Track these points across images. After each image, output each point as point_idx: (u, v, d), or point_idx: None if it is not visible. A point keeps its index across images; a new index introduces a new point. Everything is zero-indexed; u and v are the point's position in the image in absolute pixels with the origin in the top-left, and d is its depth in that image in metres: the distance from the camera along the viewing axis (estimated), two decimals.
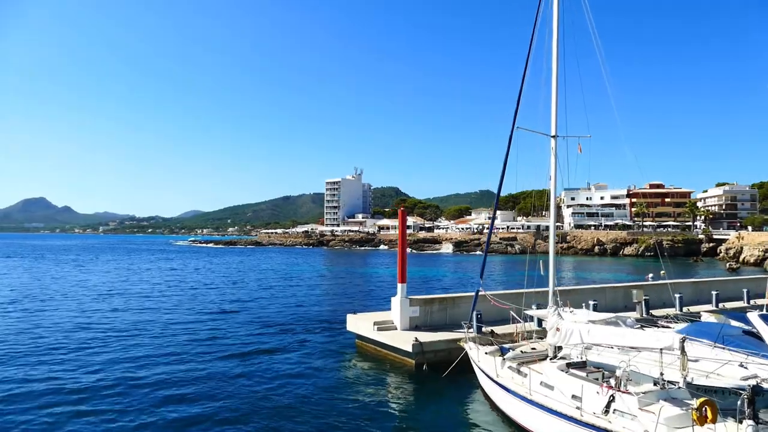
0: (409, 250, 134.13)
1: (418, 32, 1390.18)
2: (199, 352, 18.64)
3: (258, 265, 72.18)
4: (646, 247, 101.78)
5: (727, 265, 72.15)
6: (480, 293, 15.89)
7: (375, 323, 18.51)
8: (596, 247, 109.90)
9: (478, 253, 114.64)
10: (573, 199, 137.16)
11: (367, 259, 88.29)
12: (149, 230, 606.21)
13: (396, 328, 18.58)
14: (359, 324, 19.45)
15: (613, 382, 9.83)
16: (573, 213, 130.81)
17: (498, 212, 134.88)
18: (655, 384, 9.77)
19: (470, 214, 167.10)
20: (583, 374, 10.55)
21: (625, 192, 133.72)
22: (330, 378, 16.17)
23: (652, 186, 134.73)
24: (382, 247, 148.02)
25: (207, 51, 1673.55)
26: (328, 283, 46.16)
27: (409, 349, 16.41)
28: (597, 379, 10.44)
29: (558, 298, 15.56)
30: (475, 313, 17.63)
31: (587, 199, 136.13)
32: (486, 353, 12.47)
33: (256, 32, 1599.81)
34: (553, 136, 13.07)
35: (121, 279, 49.07)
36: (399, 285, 18.85)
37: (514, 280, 50.44)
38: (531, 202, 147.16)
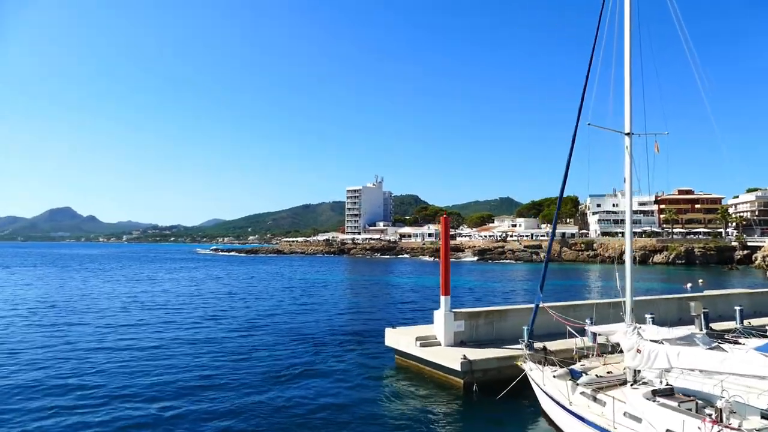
0: (430, 258, 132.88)
1: (436, 37, 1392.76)
2: (232, 370, 17.63)
3: (282, 273, 71.48)
4: (677, 254, 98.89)
5: (767, 273, 69.49)
6: (540, 306, 14.59)
7: (417, 338, 17.32)
8: (624, 255, 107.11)
9: (504, 261, 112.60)
10: (599, 205, 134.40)
11: (391, 268, 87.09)
12: (171, 239, 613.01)
13: (440, 344, 17.37)
14: (399, 339, 18.27)
15: (713, 414, 8.53)
16: (599, 220, 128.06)
17: (521, 219, 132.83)
18: (764, 417, 8.45)
19: (492, 222, 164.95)
20: (674, 404, 9.24)
21: (653, 198, 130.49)
22: (371, 399, 15.05)
23: (681, 192, 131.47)
24: (404, 255, 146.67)
25: (226, 58, 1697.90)
26: (355, 293, 45.05)
27: (457, 367, 15.19)
28: (690, 410, 9.14)
29: (623, 312, 14.27)
30: (526, 328, 16.39)
31: (614, 205, 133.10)
32: (554, 376, 11.19)
33: (273, 41, 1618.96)
34: (628, 134, 11.76)
35: (146, 290, 48.61)
36: (442, 297, 17.66)
37: (547, 290, 48.79)
38: (555, 209, 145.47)
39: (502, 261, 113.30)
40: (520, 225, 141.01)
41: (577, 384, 10.64)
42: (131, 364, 18.55)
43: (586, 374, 10.84)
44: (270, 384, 16.13)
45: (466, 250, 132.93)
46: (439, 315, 17.66)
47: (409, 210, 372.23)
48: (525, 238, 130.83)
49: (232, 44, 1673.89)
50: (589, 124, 11.95)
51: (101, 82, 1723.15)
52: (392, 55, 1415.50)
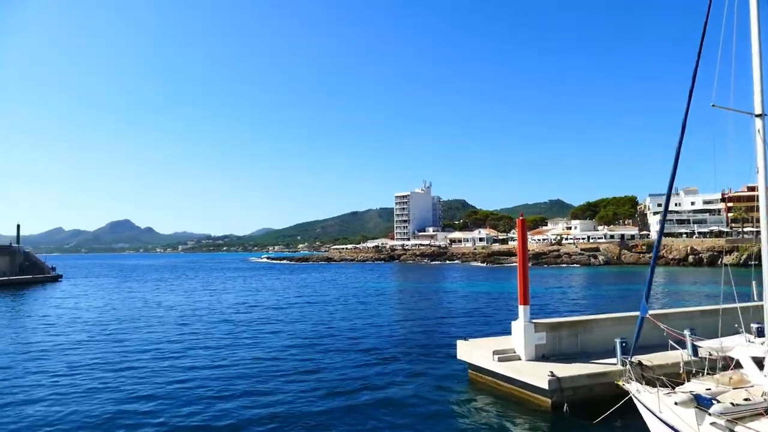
0: (482, 263, 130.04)
1: (479, 40, 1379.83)
2: (299, 390, 16.56)
3: (335, 281, 70.97)
4: (749, 255, 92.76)
5: None
6: (646, 317, 12.82)
7: (494, 352, 15.80)
8: (690, 257, 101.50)
9: (561, 265, 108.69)
10: (659, 205, 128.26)
11: (444, 274, 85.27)
12: (224, 248, 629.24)
13: (520, 358, 15.80)
14: (473, 352, 16.80)
15: None
16: (661, 220, 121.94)
17: (576, 222, 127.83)
18: None
19: (546, 224, 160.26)
20: None
21: (719, 196, 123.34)
22: (444, 418, 13.67)
23: (749, 189, 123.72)
24: (454, 261, 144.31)
25: (273, 68, 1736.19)
26: (413, 301, 43.65)
27: (544, 385, 13.61)
28: None
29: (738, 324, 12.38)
30: (619, 341, 14.64)
31: (676, 205, 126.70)
32: (676, 403, 9.48)
33: (322, 50, 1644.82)
34: (759, 115, 9.98)
35: (203, 300, 48.84)
36: (521, 307, 16.09)
37: (613, 295, 46.16)
38: (612, 210, 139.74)
39: (558, 265, 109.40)
40: (575, 227, 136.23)
41: (709, 413, 8.92)
42: (194, 375, 17.86)
43: (717, 401, 9.10)
44: (335, 399, 15.01)
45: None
46: (518, 326, 16.10)
47: (457, 215, 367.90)
48: (581, 240, 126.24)
49: (278, 55, 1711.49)
50: (713, 105, 10.20)
51: (153, 97, 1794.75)
52: (438, 59, 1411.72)
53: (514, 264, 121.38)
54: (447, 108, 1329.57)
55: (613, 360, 15.08)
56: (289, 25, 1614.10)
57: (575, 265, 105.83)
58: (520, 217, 17.15)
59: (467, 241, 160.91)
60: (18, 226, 76.27)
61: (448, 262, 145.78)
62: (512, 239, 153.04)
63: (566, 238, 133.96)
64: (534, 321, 16.15)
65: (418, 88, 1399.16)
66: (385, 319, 32.23)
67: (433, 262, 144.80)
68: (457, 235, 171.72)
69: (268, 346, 23.62)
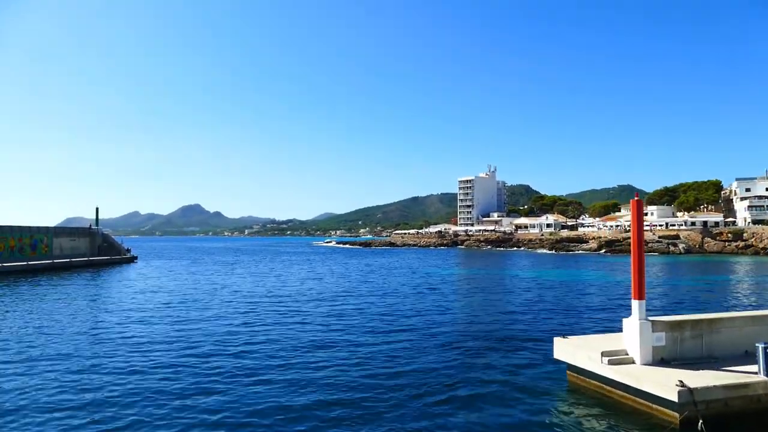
0: (550, 251, 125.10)
1: (540, 23, 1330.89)
2: (376, 387, 15.10)
3: (401, 266, 69.55)
4: None
5: None
6: None
7: (603, 354, 13.66)
8: None
9: None
10: (748, 190, 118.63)
11: (512, 261, 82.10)
12: (288, 232, 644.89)
13: (633, 361, 13.59)
14: (576, 353, 14.68)
15: None
16: (749, 207, 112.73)
17: (652, 207, 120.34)
18: None
19: (618, 210, 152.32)
20: None
21: None
22: (543, 429, 11.81)
23: None
24: (520, 248, 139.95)
25: (338, 56, 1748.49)
26: (486, 289, 41.36)
27: (672, 396, 11.38)
28: None
29: None
30: (763, 346, 12.18)
31: (766, 189, 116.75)
32: None
33: (381, 34, 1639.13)
34: None
35: (274, 284, 48.62)
36: (635, 302, 13.81)
37: (715, 287, 42.17)
38: (693, 195, 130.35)
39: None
40: (651, 213, 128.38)
41: None
42: (257, 368, 16.75)
43: None
44: (417, 401, 13.39)
45: (590, 241, 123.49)
46: (631, 324, 13.84)
47: (520, 200, 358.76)
48: (658, 227, 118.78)
49: (340, 41, 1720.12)
50: None
51: (223, 90, 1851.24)
52: (500, 45, 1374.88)
53: (585, 252, 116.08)
54: (508, 92, 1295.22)
55: (751, 368, 12.66)
56: (356, 13, 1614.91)
57: (653, 253, 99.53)
58: (633, 199, 14.73)
59: (533, 227, 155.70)
60: (97, 209, 79.52)
61: (514, 248, 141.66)
62: (582, 225, 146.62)
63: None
64: (651, 319, 13.86)
65: (477, 73, 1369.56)
66: (460, 309, 30.30)
67: (498, 249, 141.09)
68: (522, 220, 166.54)
69: (341, 338, 22.34)
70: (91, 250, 74.44)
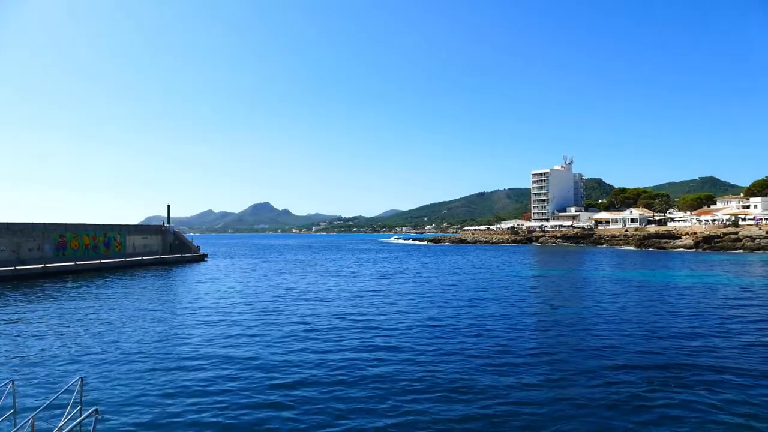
0: (636, 248, 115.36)
1: (606, 19, 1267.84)
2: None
3: (483, 265, 64.33)
4: None
5: None
6: None
7: None
8: None
9: (738, 251, 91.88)
10: None
11: (599, 259, 74.75)
12: (354, 229, 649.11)
13: None
14: None
15: None
16: None
17: (756, 199, 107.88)
18: None
19: (714, 203, 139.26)
20: None
21: None
22: None
23: None
24: (602, 244, 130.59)
25: (403, 57, 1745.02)
26: (596, 294, 35.59)
27: None
28: None
29: None
30: None
31: None
32: None
33: (436, 33, 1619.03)
34: None
35: (351, 283, 45.00)
36: None
37: None
38: None
39: (734, 251, 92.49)
40: (754, 206, 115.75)
41: None
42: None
43: None
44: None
45: (683, 236, 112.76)
46: None
47: (593, 194, 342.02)
48: (765, 222, 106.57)
49: (400, 39, 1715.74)
50: None
51: (288, 87, 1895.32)
52: (567, 40, 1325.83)
53: (677, 249, 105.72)
54: (575, 86, 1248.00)
55: None
56: (415, 9, 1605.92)
57: (760, 251, 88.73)
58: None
59: (615, 222, 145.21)
60: (168, 207, 79.35)
61: (595, 245, 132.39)
62: (671, 220, 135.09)
63: (743, 219, 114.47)
64: None
65: (542, 68, 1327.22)
66: (579, 319, 25.08)
67: (577, 245, 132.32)
68: (603, 215, 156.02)
69: (441, 351, 17.91)
70: (163, 248, 74.06)
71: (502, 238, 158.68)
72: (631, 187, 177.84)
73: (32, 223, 55.14)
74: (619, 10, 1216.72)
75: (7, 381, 8.22)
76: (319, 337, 20.67)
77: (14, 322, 24.34)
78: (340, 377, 15.03)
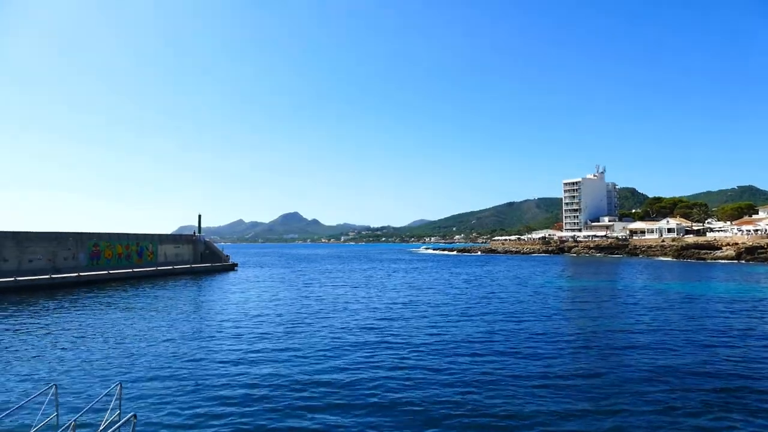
0: (674, 258, 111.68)
1: (636, 27, 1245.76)
2: None
3: (518, 276, 62.78)
4: None
5: None
6: None
7: None
8: None
9: None
10: None
11: (638, 271, 72.20)
12: (383, 239, 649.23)
13: None
14: None
15: None
16: None
17: None
18: None
19: (756, 212, 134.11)
20: None
21: None
22: None
23: None
24: (638, 255, 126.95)
25: (433, 67, 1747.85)
26: (640, 307, 33.96)
27: None
28: None
29: None
30: None
31: None
32: None
33: (471, 47, 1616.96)
34: None
35: (387, 295, 44.20)
36: None
37: None
38: None
39: None
40: None
41: None
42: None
43: None
44: None
45: (724, 247, 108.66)
46: None
47: (626, 204, 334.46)
48: None
49: (429, 51, 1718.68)
50: None
51: (317, 98, 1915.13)
52: (596, 47, 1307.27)
53: (718, 260, 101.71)
54: (606, 93, 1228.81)
55: None
56: (436, 28, 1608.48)
57: None
58: None
59: (651, 232, 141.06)
60: (199, 216, 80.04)
61: (629, 255, 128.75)
62: (711, 230, 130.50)
63: None
64: None
65: (572, 75, 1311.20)
66: (623, 335, 23.68)
67: (611, 256, 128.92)
68: (638, 225, 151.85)
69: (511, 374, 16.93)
70: (194, 257, 74.59)
71: (533, 249, 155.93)
72: (666, 197, 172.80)
73: (67, 232, 56.07)
74: (653, 17, 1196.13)
75: (50, 385, 8.61)
76: (350, 353, 19.82)
77: (51, 331, 24.68)
78: (373, 400, 14.20)
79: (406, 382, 15.73)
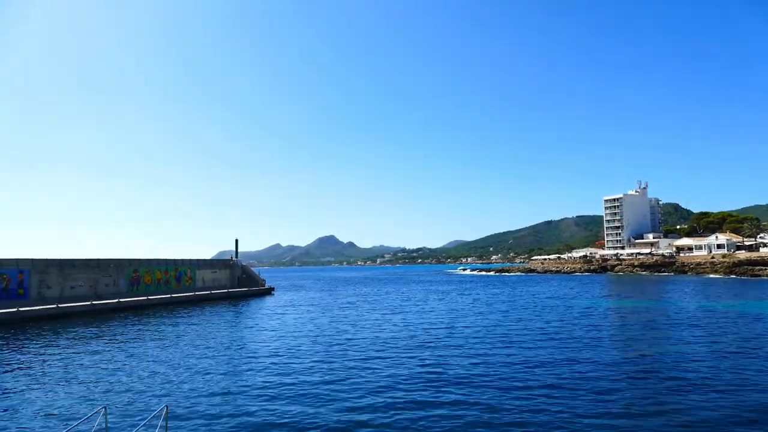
0: (725, 275, 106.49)
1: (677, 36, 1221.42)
2: None
3: (560, 295, 60.45)
4: None
5: None
6: None
7: None
8: None
9: None
10: None
11: (690, 289, 68.68)
12: (419, 260, 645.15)
13: None
14: None
15: None
16: None
17: None
18: None
19: None
20: None
21: None
22: None
23: None
24: (686, 272, 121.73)
25: (466, 84, 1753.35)
26: (711, 335, 31.74)
27: None
28: None
29: None
30: None
31: None
32: None
33: (506, 59, 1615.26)
34: None
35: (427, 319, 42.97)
36: None
37: None
38: None
39: None
40: None
41: None
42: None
43: None
44: None
45: None
46: None
47: (670, 220, 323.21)
48: None
49: (463, 65, 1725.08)
50: None
51: (349, 119, 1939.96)
52: (630, 60, 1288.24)
53: None
54: (641, 107, 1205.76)
55: None
56: (458, 38, 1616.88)
57: None
58: None
59: (700, 248, 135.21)
60: (236, 241, 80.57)
61: (676, 273, 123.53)
62: (764, 245, 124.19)
63: None
64: None
65: (605, 90, 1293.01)
66: (689, 362, 21.88)
67: (657, 274, 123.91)
68: (685, 241, 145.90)
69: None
70: (231, 282, 74.89)
71: (574, 268, 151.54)
72: (714, 211, 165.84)
73: (108, 259, 57.01)
74: (688, 27, 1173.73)
75: (101, 407, 8.83)
76: (387, 390, 18.39)
77: (95, 355, 25.47)
78: None
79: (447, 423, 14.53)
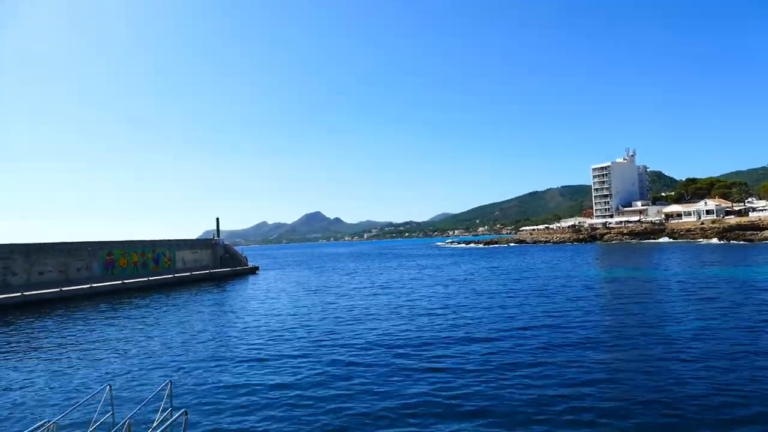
0: (712, 241, 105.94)
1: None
2: None
3: (556, 265, 58.47)
4: None
5: None
6: None
7: None
8: None
9: None
10: None
11: (683, 256, 67.22)
12: (406, 234, 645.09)
13: None
14: None
15: None
16: None
17: None
18: None
19: None
20: None
21: None
22: None
23: None
24: (676, 239, 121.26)
25: (450, 59, 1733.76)
26: (713, 303, 29.68)
27: None
28: None
29: None
30: None
31: None
32: None
33: (490, 39, 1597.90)
34: None
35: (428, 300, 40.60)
36: None
37: None
38: None
39: None
40: None
41: None
42: None
43: None
44: None
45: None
46: None
47: (653, 187, 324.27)
48: None
49: (435, 49, 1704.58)
50: None
51: (335, 95, 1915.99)
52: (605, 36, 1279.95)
53: (763, 241, 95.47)
54: (621, 79, 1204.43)
55: None
56: (462, 22, 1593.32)
57: None
58: None
59: (689, 214, 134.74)
60: (217, 219, 77.11)
61: (666, 239, 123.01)
62: (753, 209, 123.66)
63: None
64: None
65: (580, 62, 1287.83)
66: (701, 342, 19.64)
67: (646, 241, 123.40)
68: (674, 208, 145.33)
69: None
70: (213, 262, 71.92)
71: (563, 237, 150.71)
72: (702, 177, 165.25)
73: (80, 242, 53.64)
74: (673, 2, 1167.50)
75: (105, 386, 8.86)
76: (376, 378, 16.15)
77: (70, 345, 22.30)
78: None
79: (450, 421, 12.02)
